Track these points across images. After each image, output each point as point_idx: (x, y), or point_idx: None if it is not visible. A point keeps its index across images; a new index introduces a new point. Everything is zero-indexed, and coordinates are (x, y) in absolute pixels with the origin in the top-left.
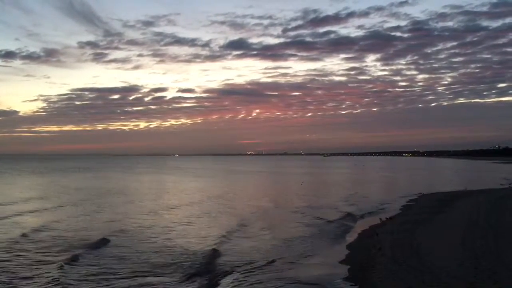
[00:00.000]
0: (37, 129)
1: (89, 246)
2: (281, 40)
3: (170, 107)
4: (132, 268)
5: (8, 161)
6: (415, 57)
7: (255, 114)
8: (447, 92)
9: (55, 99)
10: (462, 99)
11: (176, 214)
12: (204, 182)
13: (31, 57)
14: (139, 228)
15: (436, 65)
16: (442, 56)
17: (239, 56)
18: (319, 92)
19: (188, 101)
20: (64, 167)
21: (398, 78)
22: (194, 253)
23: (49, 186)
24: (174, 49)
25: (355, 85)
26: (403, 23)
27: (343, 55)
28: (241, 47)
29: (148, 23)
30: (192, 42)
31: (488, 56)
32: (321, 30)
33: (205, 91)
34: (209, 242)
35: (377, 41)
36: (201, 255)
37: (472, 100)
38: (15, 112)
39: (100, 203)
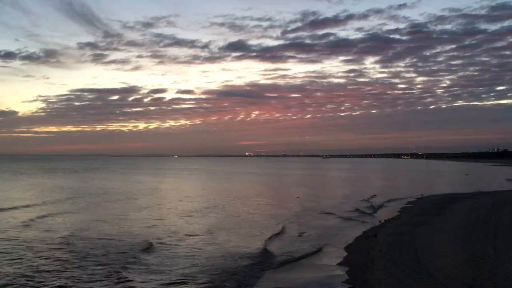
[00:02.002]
0: (36, 129)
1: (136, 249)
2: (280, 42)
3: (169, 108)
4: (184, 274)
5: (9, 161)
6: (414, 60)
7: (254, 115)
8: (446, 94)
9: (54, 100)
10: (461, 101)
11: (207, 216)
12: (220, 183)
13: (30, 58)
14: (180, 230)
15: (435, 68)
16: (441, 58)
17: (238, 58)
18: (318, 94)
19: (187, 102)
20: (72, 167)
21: (397, 80)
22: (241, 256)
23: (67, 186)
24: (174, 51)
25: (354, 87)
26: (402, 25)
27: (342, 57)
28: (240, 49)
29: (147, 24)
30: (191, 44)
31: (487, 59)
32: (320, 32)
33: (205, 93)
34: (254, 244)
35: (376, 44)
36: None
37: (471, 103)
38: (14, 112)
39: (127, 204)
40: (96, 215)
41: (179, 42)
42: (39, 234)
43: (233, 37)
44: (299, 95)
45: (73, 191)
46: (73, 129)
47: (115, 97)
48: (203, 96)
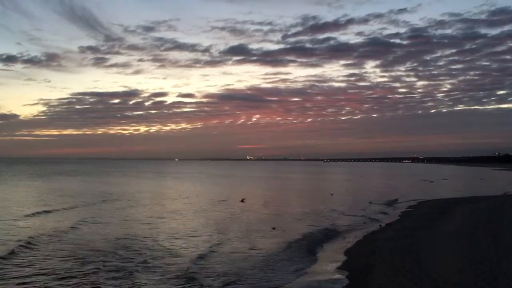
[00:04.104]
0: (37, 132)
1: (199, 258)
2: (281, 46)
3: (170, 111)
4: (239, 275)
5: (13, 164)
6: (414, 64)
7: (255, 119)
8: (447, 99)
9: (55, 103)
10: (461, 105)
11: (245, 218)
12: (243, 186)
13: (32, 61)
14: (227, 232)
15: (435, 72)
16: (441, 63)
17: (239, 62)
18: (319, 97)
19: (188, 106)
20: (82, 170)
21: (397, 84)
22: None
23: (94, 189)
24: (175, 54)
25: (355, 91)
26: (402, 30)
27: (342, 61)
28: (241, 53)
29: (148, 28)
30: (192, 48)
31: (487, 63)
32: (321, 36)
33: (205, 96)
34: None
35: (377, 48)
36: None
37: (472, 107)
38: (16, 115)
39: (164, 207)
40: (139, 217)
41: (180, 46)
42: (93, 236)
43: (234, 41)
44: (300, 99)
45: (103, 194)
46: (74, 133)
47: (116, 101)
48: (204, 100)
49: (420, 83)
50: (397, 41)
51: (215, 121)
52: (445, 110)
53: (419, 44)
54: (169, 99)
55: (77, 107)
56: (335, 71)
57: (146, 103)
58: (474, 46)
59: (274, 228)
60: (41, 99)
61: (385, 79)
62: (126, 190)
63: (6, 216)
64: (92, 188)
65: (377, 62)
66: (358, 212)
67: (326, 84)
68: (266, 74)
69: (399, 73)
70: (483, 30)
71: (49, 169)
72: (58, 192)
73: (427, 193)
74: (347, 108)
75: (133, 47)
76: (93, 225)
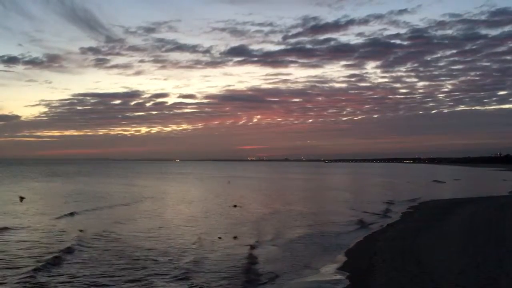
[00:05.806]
0: (38, 133)
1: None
2: (282, 47)
3: (171, 112)
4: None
5: (17, 165)
6: (415, 65)
7: (256, 120)
8: (448, 99)
9: (56, 104)
10: (462, 106)
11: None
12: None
13: (33, 63)
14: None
15: (436, 73)
16: (442, 63)
17: (240, 63)
18: (320, 98)
19: (189, 106)
20: (93, 170)
21: (398, 85)
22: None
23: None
24: (175, 55)
25: (356, 91)
26: (402, 30)
27: (343, 62)
28: (241, 54)
29: (149, 30)
30: (193, 49)
31: (488, 64)
32: (321, 37)
33: (206, 97)
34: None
35: (377, 49)
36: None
37: (473, 108)
38: (17, 116)
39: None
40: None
41: (180, 47)
42: (135, 235)
43: (235, 42)
44: (301, 100)
45: (120, 195)
46: (76, 133)
47: (117, 102)
48: (205, 101)
49: (421, 83)
50: (398, 41)
51: (216, 122)
52: (446, 111)
53: (420, 45)
54: (170, 100)
55: (78, 108)
56: (335, 72)
57: (147, 104)
58: (474, 47)
59: None
60: (43, 100)
61: (386, 79)
62: (141, 191)
63: (47, 216)
64: (107, 188)
65: (378, 63)
66: (379, 211)
67: (326, 85)
68: (266, 75)
69: (399, 73)
70: (483, 31)
71: (55, 170)
72: (80, 193)
73: (442, 193)
74: (348, 109)
75: (134, 48)
76: (131, 225)
